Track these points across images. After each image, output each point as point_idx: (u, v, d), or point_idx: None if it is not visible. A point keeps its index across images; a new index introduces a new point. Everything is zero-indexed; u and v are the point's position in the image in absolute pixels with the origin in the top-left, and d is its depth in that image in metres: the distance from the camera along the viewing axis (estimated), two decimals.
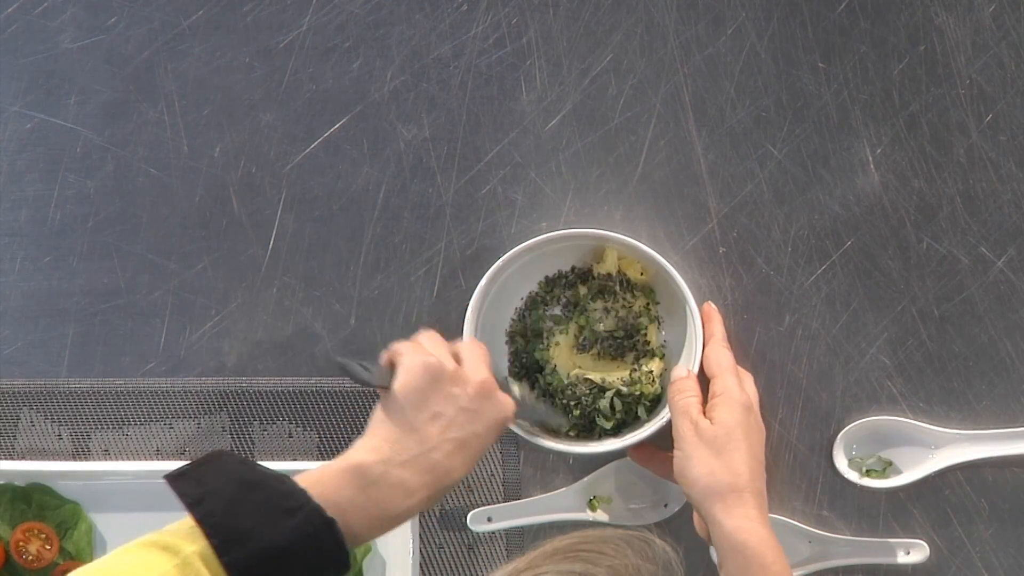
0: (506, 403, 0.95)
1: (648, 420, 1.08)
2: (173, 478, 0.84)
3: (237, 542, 0.81)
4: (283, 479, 0.85)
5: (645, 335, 1.10)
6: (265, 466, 0.87)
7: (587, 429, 1.09)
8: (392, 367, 0.93)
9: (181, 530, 0.82)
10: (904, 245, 1.11)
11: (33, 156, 1.16)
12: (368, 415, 1.12)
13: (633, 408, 1.08)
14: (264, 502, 0.83)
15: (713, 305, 1.09)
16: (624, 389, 1.07)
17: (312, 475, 0.87)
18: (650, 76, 1.14)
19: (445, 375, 0.92)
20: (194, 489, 0.83)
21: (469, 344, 0.98)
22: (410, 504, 0.89)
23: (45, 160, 1.16)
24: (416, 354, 0.92)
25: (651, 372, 1.08)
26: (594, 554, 0.78)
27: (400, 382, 0.91)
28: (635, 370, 1.08)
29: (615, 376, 1.08)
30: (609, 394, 1.07)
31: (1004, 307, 1.11)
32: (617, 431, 1.08)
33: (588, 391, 1.08)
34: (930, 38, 1.12)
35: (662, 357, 1.09)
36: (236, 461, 0.86)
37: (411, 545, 1.09)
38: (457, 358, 0.95)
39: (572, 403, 1.08)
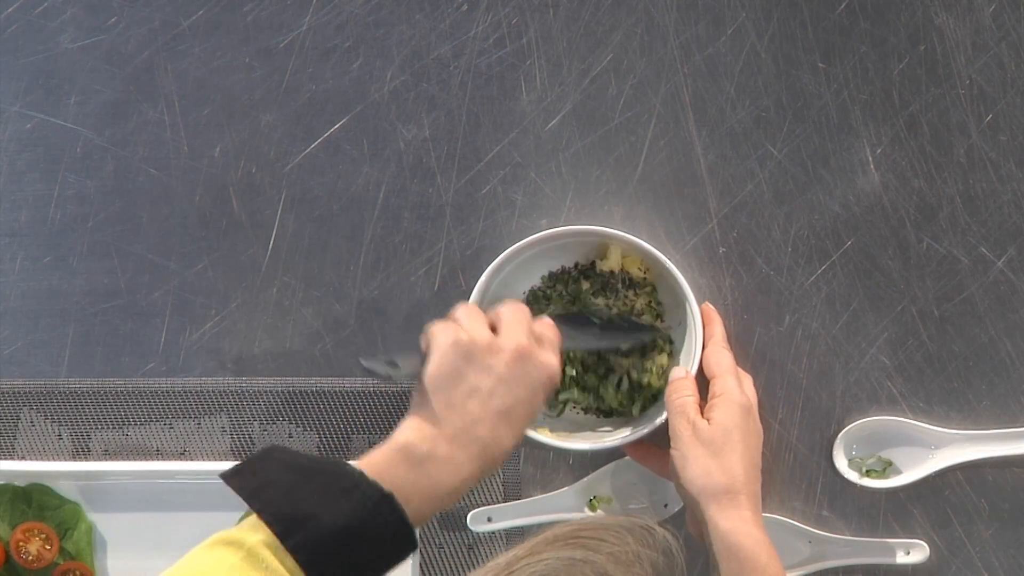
0: (547, 363, 0.93)
1: (645, 420, 1.08)
2: (229, 476, 0.85)
3: (298, 526, 0.81)
4: (337, 462, 0.86)
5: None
6: (317, 454, 0.87)
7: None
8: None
9: (244, 524, 0.83)
10: (904, 245, 1.12)
11: (33, 156, 1.16)
12: (367, 415, 1.13)
13: (636, 397, 1.08)
14: (321, 485, 0.83)
15: (712, 306, 1.09)
16: (634, 373, 1.08)
17: (363, 459, 0.88)
18: (650, 76, 1.14)
19: (477, 348, 0.91)
20: (250, 482, 0.84)
21: (508, 307, 0.96)
22: (462, 477, 0.89)
23: (45, 160, 1.16)
24: (447, 333, 0.91)
25: (661, 366, 1.08)
26: (595, 541, 0.78)
27: (432, 363, 0.91)
28: (649, 359, 1.08)
29: (625, 362, 1.08)
30: (620, 372, 1.08)
31: (1004, 307, 1.11)
32: (619, 411, 1.09)
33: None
34: (930, 38, 1.12)
35: (670, 354, 1.09)
36: (289, 452, 0.87)
37: None
38: (495, 326, 0.94)
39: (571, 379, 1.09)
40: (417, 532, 0.86)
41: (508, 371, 0.91)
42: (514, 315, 0.95)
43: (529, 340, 0.93)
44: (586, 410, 1.11)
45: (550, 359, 0.94)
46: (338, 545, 0.82)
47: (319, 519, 0.81)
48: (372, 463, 0.87)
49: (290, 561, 0.81)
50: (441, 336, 0.92)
